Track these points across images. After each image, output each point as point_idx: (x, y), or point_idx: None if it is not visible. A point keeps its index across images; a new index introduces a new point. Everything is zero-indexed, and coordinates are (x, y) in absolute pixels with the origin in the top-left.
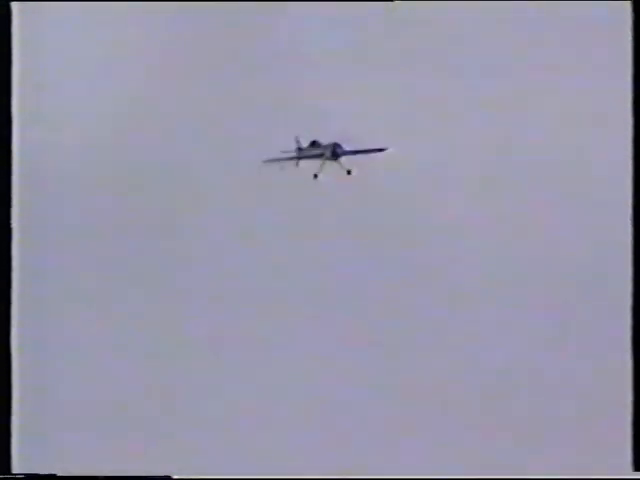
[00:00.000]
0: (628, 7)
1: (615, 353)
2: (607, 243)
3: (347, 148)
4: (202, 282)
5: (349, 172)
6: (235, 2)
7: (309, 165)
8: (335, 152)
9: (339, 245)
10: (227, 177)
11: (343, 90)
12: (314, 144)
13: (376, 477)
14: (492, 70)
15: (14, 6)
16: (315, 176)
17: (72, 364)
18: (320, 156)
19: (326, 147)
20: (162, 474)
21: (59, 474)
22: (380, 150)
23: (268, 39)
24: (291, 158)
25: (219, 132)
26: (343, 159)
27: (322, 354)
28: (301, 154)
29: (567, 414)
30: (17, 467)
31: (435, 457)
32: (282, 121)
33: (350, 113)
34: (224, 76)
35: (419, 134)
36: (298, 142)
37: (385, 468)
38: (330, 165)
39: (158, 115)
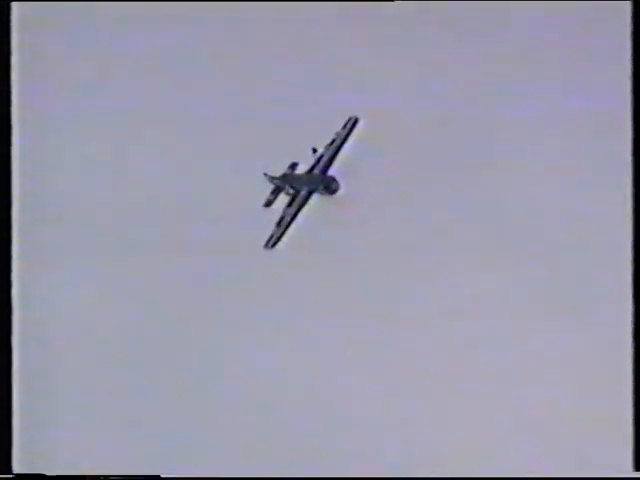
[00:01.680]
0: (628, 7)
1: (615, 353)
2: None
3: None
4: None
5: (315, 150)
6: None
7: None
8: (329, 186)
9: None
10: None
11: None
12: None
13: (375, 477)
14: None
15: (14, 6)
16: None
17: (72, 364)
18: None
19: (313, 179)
20: (151, 473)
21: (48, 474)
22: (353, 125)
23: None
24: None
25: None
26: None
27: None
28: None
29: (567, 414)
30: (17, 467)
31: (430, 455)
32: None
33: None
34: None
35: None
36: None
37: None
38: None
39: None
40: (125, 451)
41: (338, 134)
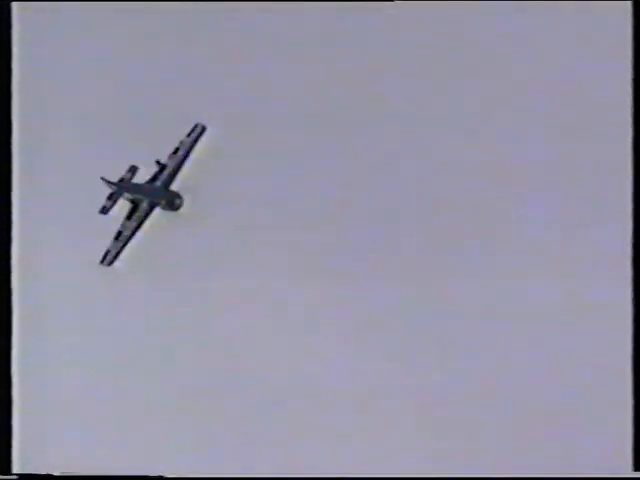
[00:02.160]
0: (628, 7)
1: (615, 353)
2: None
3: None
4: None
5: (159, 162)
6: None
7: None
8: (172, 202)
9: None
10: None
11: None
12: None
13: (375, 477)
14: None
15: (14, 6)
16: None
17: (72, 364)
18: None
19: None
20: (155, 474)
21: (55, 474)
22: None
23: None
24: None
25: None
26: None
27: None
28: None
29: (567, 414)
30: (17, 467)
31: (431, 455)
32: None
33: None
34: None
35: None
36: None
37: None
38: None
39: None
40: (125, 451)
41: (182, 143)
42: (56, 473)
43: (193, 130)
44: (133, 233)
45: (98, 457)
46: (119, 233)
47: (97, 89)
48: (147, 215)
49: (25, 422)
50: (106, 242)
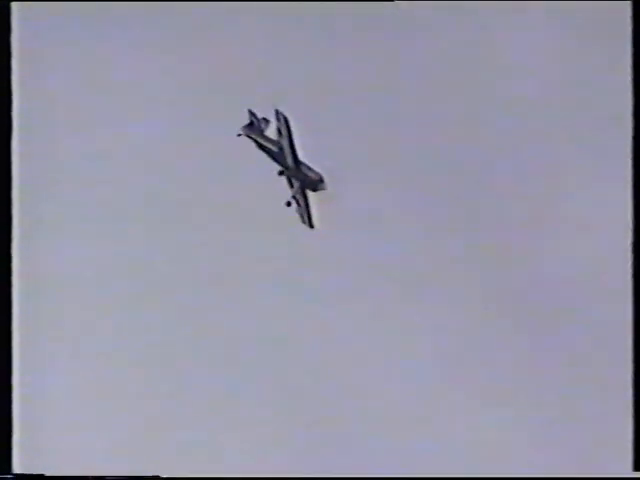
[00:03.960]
0: (628, 7)
1: (615, 353)
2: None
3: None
4: None
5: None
6: None
7: None
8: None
9: None
10: None
11: None
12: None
13: (375, 477)
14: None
15: (14, 6)
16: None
17: (71, 366)
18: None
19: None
20: (151, 474)
21: (47, 474)
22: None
23: None
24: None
25: None
26: None
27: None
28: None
29: (567, 414)
30: (17, 467)
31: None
32: None
33: None
34: None
35: None
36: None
37: None
38: None
39: None
40: (124, 451)
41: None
42: (56, 473)
43: (278, 115)
44: (307, 204)
45: (97, 457)
46: (296, 199)
47: None
48: (306, 194)
49: (25, 422)
50: None
